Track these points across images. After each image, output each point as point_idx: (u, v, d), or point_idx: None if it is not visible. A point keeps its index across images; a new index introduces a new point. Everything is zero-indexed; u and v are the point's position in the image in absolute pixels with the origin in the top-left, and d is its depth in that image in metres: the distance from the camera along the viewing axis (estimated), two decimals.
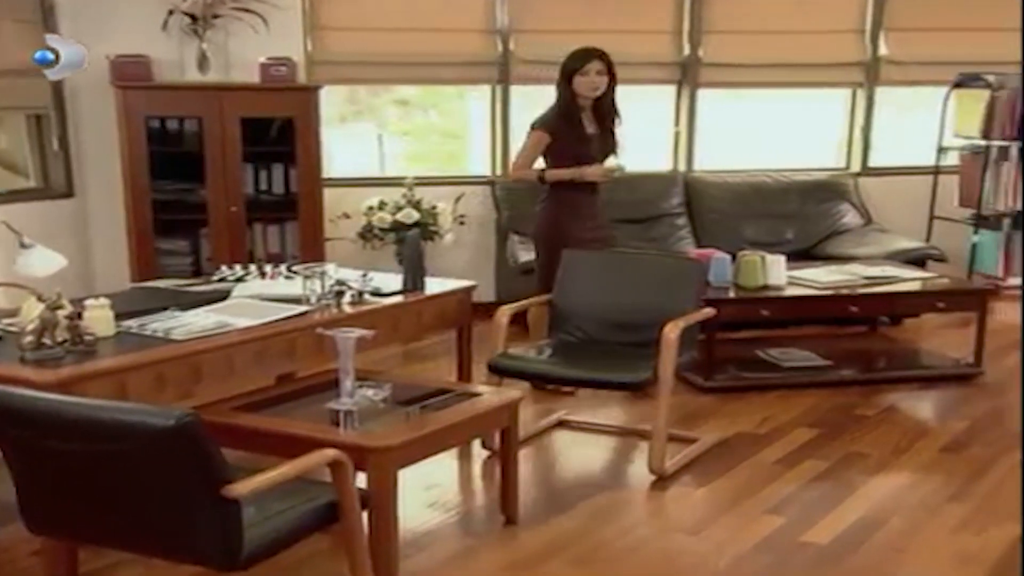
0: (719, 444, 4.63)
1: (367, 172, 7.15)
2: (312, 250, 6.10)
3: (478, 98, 7.42)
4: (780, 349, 5.85)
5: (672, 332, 4.21)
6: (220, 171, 6.01)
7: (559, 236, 5.07)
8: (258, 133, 6.22)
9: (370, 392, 3.70)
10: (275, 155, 6.28)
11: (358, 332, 3.62)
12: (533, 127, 5.16)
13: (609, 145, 5.19)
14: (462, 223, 6.71)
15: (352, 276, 4.36)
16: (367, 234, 6.56)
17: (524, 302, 4.74)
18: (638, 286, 4.67)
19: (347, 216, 6.56)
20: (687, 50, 7.33)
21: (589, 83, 5.03)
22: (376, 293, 4.31)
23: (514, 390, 3.89)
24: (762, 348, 5.86)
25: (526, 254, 6.31)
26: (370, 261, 6.12)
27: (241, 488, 2.60)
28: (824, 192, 7.33)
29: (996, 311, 5.83)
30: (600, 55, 5.06)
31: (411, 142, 7.67)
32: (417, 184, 6.68)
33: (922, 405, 5.32)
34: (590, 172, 5.07)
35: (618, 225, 6.84)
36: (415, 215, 6.47)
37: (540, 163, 5.22)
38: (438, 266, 5.89)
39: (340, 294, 4.18)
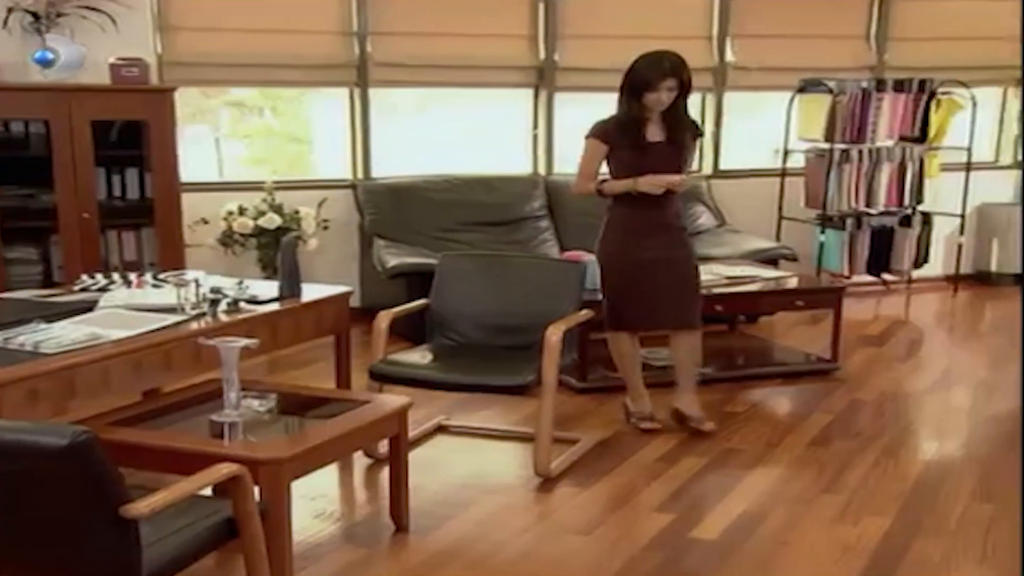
0: (600, 444, 4.67)
1: (207, 177, 6.95)
2: (171, 257, 5.89)
3: (324, 100, 7.31)
4: (647, 348, 5.90)
5: (554, 334, 4.22)
6: (70, 176, 5.74)
7: (617, 256, 4.69)
8: (110, 136, 5.98)
9: (255, 403, 3.61)
10: (129, 159, 6.04)
11: (242, 341, 3.51)
12: (587, 135, 4.67)
13: (678, 156, 4.60)
14: (326, 228, 6.59)
15: (227, 284, 4.23)
16: (227, 240, 6.40)
17: (403, 307, 4.66)
18: (517, 289, 4.67)
19: (205, 222, 6.38)
20: (543, 54, 7.38)
21: (657, 100, 4.47)
22: (252, 301, 4.19)
23: (403, 396, 3.82)
24: None
25: (394, 259, 6.25)
26: (232, 267, 6.01)
27: (141, 507, 2.47)
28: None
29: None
30: (675, 70, 4.46)
31: (250, 145, 7.49)
32: (276, 188, 6.55)
33: (786, 401, 5.47)
34: (644, 182, 4.51)
35: (481, 228, 6.90)
36: (277, 220, 6.34)
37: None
38: (302, 272, 5.76)
39: (215, 302, 4.04)
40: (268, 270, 6.37)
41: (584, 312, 4.55)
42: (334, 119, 7.20)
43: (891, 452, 4.66)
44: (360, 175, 7.08)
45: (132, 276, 4.50)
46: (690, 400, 4.89)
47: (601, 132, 4.63)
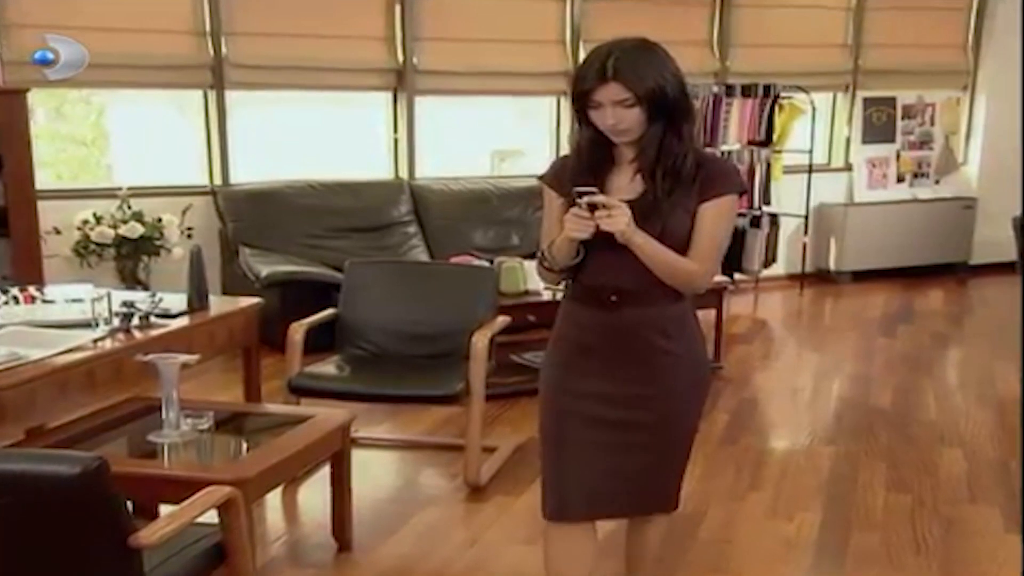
0: (518, 450, 4.60)
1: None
2: (28, 269, 5.48)
3: (121, 101, 7.02)
4: (532, 352, 5.90)
5: (480, 342, 4.14)
6: None
7: (547, 384, 2.76)
8: None
9: (191, 421, 3.39)
10: None
11: (182, 357, 3.32)
12: (539, 177, 2.78)
13: (657, 222, 2.54)
14: (190, 236, 6.27)
15: (139, 297, 3.97)
16: (83, 250, 6.02)
17: (314, 317, 4.43)
18: (432, 296, 4.54)
19: (58, 232, 5.98)
20: (401, 57, 7.27)
21: (602, 119, 2.55)
22: (163, 314, 3.94)
23: (343, 410, 3.66)
24: (515, 352, 5.89)
25: (267, 268, 6.01)
26: (89, 278, 5.62)
27: (149, 536, 2.29)
28: (542, 198, 7.49)
29: None
30: (620, 72, 2.50)
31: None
32: (131, 195, 6.21)
33: None
34: (567, 226, 2.51)
35: (348, 235, 6.72)
36: (140, 229, 6.00)
37: None
38: (166, 282, 5.49)
39: (128, 317, 3.78)
40: (129, 281, 6.03)
41: (502, 318, 4.48)
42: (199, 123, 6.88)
43: (797, 447, 4.79)
44: (217, 181, 6.78)
45: (14, 290, 4.16)
46: None
47: (552, 176, 2.73)
